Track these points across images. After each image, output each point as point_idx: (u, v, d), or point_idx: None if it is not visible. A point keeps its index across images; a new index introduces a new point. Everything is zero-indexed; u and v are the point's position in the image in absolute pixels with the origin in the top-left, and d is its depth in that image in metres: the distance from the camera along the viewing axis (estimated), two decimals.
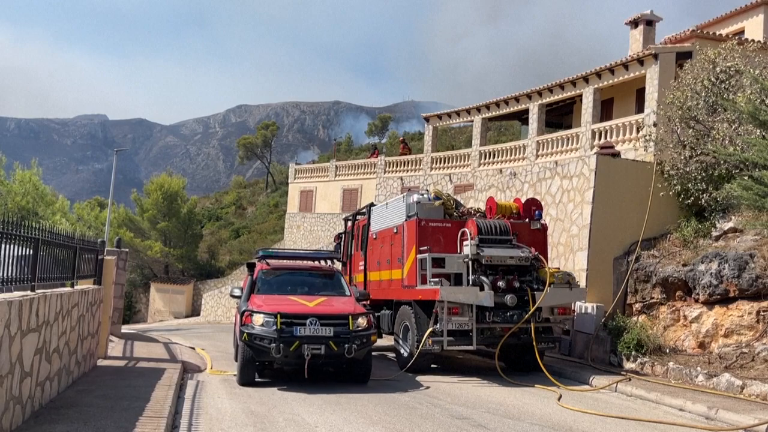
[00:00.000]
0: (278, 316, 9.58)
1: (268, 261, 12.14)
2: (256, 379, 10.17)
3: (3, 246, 5.97)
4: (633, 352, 11.93)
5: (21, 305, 6.03)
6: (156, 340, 16.34)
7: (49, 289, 7.55)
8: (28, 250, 6.71)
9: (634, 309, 13.48)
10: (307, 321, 9.69)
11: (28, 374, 6.40)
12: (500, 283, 11.34)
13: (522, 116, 27.29)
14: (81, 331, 8.97)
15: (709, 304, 11.92)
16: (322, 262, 13.14)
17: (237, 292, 11.21)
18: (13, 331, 5.82)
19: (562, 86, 23.06)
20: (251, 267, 11.84)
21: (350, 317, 9.92)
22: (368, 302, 11.80)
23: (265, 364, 10.14)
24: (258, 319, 9.72)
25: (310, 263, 13.01)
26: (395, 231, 12.77)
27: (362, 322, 10.04)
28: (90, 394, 7.93)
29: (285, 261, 12.83)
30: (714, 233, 13.20)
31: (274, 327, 9.53)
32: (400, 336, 12.26)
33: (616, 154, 15.68)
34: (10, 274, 6.20)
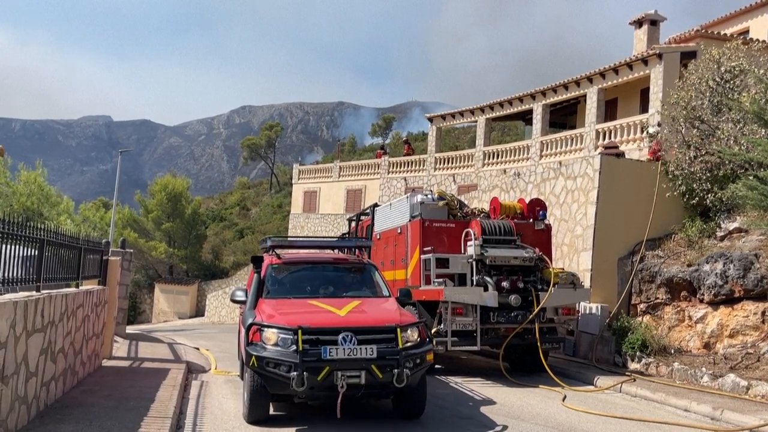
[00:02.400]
0: (299, 331, 6.94)
1: (279, 253, 9.44)
2: (271, 413, 7.72)
3: (8, 246, 5.99)
4: (638, 353, 11.90)
5: (26, 306, 6.05)
6: (160, 341, 16.37)
7: (54, 289, 7.57)
8: (33, 250, 6.73)
9: (638, 309, 13.45)
10: (339, 337, 7.00)
11: (33, 374, 6.42)
12: (504, 284, 11.33)
13: (526, 116, 27.27)
14: (86, 332, 8.99)
15: (714, 304, 11.88)
16: (337, 253, 10.46)
17: (240, 296, 8.54)
18: (18, 331, 5.84)
19: (566, 86, 23.04)
20: (258, 262, 8.88)
21: (398, 329, 7.20)
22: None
23: (282, 397, 7.43)
24: (270, 336, 7.13)
25: (332, 254, 10.26)
26: (399, 231, 12.77)
27: (413, 335, 7.38)
28: (95, 394, 7.95)
29: (300, 252, 10.25)
30: (719, 233, 13.16)
31: (294, 347, 6.90)
32: None
33: (620, 155, 15.66)
34: (15, 274, 6.22)
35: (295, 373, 6.81)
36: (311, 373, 6.83)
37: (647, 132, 16.98)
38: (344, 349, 6.96)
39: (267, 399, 7.37)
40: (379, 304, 8.24)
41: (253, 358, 7.08)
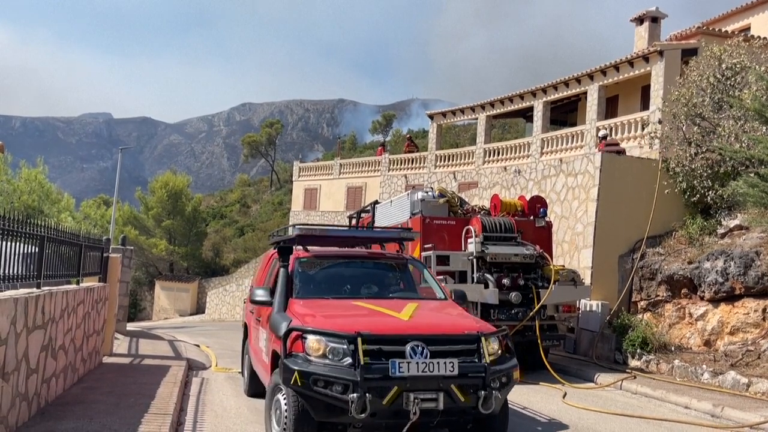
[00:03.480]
0: (359, 339, 5.39)
1: (305, 246, 7.70)
2: None
3: (9, 243, 5.99)
4: (638, 350, 11.90)
5: (27, 302, 6.05)
6: (161, 338, 16.38)
7: (55, 286, 7.57)
8: (33, 247, 6.73)
9: (639, 307, 13.45)
10: (407, 348, 5.48)
11: (33, 371, 6.42)
12: (505, 281, 11.33)
13: (526, 114, 27.25)
14: (86, 329, 9.00)
15: (715, 301, 11.88)
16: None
17: (262, 296, 6.88)
18: (19, 328, 5.84)
19: (567, 84, 23.01)
20: (285, 253, 7.27)
21: (482, 339, 5.72)
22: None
23: (325, 425, 5.67)
24: (316, 345, 5.51)
25: (364, 248, 8.75)
26: None
27: (494, 346, 5.87)
28: (95, 390, 7.96)
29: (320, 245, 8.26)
30: (720, 231, 13.16)
31: (349, 360, 5.38)
32: None
33: (621, 152, 15.66)
34: (16, 271, 6.22)
35: (355, 394, 5.21)
36: (375, 395, 5.27)
37: (598, 135, 17.18)
38: (417, 363, 5.39)
39: (313, 430, 5.64)
40: (441, 308, 6.83)
41: (296, 374, 5.40)
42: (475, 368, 5.54)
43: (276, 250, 7.47)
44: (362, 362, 5.29)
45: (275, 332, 6.13)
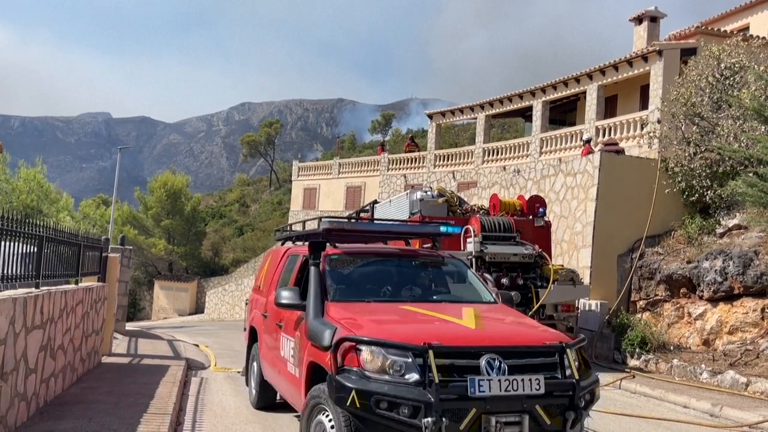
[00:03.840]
0: (430, 352, 4.56)
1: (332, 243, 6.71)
2: None
3: (8, 243, 5.99)
4: (637, 350, 11.91)
5: (25, 302, 6.04)
6: (160, 338, 16.38)
7: (54, 286, 7.57)
8: (32, 247, 6.72)
9: (638, 306, 13.47)
10: (482, 362, 4.68)
11: (32, 371, 6.41)
12: (504, 281, 11.33)
13: (526, 113, 27.26)
14: (85, 328, 8.99)
15: (714, 301, 11.89)
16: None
17: (290, 298, 5.90)
18: (17, 327, 5.83)
19: (566, 83, 23.02)
20: (317, 250, 6.31)
21: (567, 351, 4.95)
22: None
23: None
24: (373, 359, 4.70)
25: (395, 245, 7.91)
26: None
27: (575, 359, 5.06)
28: (94, 390, 7.95)
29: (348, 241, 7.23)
30: (718, 230, 13.17)
31: (416, 377, 4.58)
32: None
33: (620, 151, 15.67)
34: (14, 271, 6.21)
35: (429, 419, 4.40)
36: (451, 418, 4.46)
37: (582, 139, 17.20)
38: (499, 381, 4.59)
39: None
40: (503, 314, 5.96)
41: (354, 393, 4.55)
42: (562, 385, 4.79)
43: (307, 245, 6.59)
44: (436, 380, 4.46)
45: (316, 342, 5.24)
